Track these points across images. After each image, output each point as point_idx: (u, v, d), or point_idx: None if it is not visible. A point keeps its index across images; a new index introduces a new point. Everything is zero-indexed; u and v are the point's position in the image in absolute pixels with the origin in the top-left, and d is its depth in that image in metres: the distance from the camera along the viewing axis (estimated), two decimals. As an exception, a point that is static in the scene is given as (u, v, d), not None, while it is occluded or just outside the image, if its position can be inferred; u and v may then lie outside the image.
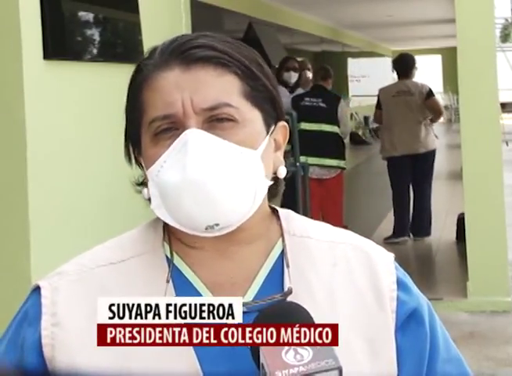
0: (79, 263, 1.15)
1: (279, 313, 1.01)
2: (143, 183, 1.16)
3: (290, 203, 6.69)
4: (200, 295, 1.11)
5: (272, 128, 1.14)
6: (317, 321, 1.01)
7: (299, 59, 9.02)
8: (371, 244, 1.21)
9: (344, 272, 1.15)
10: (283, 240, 1.16)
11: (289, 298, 1.10)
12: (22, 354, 1.10)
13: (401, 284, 1.16)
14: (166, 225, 1.16)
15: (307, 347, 0.94)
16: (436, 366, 1.15)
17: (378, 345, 1.11)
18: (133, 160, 1.17)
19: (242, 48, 1.14)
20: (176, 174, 1.06)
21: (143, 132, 1.12)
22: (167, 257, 1.14)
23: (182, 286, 1.11)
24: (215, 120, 1.08)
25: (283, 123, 1.17)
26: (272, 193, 1.15)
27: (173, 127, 1.09)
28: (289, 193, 6.69)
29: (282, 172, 1.16)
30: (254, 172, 1.09)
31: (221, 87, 1.09)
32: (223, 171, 1.06)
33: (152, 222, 1.19)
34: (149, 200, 1.13)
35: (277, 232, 1.17)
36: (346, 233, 1.22)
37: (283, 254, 1.15)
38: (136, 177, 1.18)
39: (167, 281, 1.11)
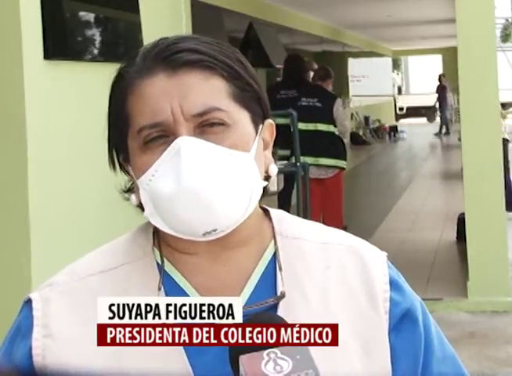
0: (70, 273, 1.14)
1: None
2: (130, 190, 1.14)
3: (285, 205, 6.70)
4: None
5: (261, 127, 1.13)
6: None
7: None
8: (364, 243, 1.19)
9: (337, 273, 1.14)
10: (275, 242, 1.15)
11: (282, 302, 1.09)
12: (14, 365, 1.09)
13: (394, 284, 1.15)
14: (156, 230, 1.14)
15: (286, 358, 0.92)
16: (431, 366, 1.15)
17: (372, 346, 1.10)
18: (117, 167, 1.15)
19: (224, 48, 1.12)
20: (170, 183, 1.04)
21: (130, 140, 1.10)
22: (157, 263, 1.13)
23: (174, 293, 1.09)
24: (206, 125, 1.06)
25: (269, 121, 1.16)
26: (263, 192, 1.12)
27: (163, 134, 1.07)
28: (284, 194, 6.69)
29: (273, 170, 1.15)
30: (249, 175, 1.08)
31: (209, 91, 1.07)
32: (219, 177, 1.04)
33: (143, 226, 1.17)
34: (138, 206, 1.12)
35: (269, 233, 1.16)
36: (339, 234, 1.20)
37: (275, 256, 1.14)
38: (123, 184, 1.16)
39: (159, 288, 1.09)
